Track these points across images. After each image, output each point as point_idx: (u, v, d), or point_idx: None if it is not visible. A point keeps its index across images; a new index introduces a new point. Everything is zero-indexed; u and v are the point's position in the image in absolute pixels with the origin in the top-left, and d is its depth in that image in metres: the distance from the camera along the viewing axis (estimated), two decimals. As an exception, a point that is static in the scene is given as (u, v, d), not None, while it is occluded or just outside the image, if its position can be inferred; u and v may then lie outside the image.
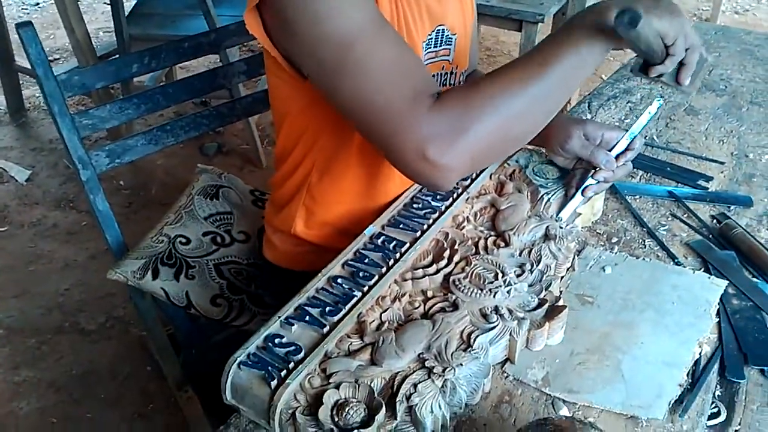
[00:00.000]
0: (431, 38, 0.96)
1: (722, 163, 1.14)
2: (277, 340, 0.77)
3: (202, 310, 1.14)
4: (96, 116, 1.27)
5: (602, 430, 0.62)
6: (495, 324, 0.79)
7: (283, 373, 0.73)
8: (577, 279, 0.92)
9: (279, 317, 0.81)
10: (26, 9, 4.13)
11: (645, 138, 1.21)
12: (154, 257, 1.18)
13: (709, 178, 1.10)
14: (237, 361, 0.75)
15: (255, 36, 0.84)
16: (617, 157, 0.95)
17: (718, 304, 0.87)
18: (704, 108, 1.29)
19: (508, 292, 0.83)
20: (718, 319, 0.85)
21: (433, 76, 1.00)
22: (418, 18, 0.92)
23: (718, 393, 0.77)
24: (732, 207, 1.04)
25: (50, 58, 3.49)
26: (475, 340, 0.77)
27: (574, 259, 0.93)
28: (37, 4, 4.11)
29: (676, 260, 0.95)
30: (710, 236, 0.99)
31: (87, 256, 2.16)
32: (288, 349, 0.76)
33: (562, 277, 0.90)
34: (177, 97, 1.37)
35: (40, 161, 2.66)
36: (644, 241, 0.99)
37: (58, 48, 3.52)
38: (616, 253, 0.96)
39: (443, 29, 0.97)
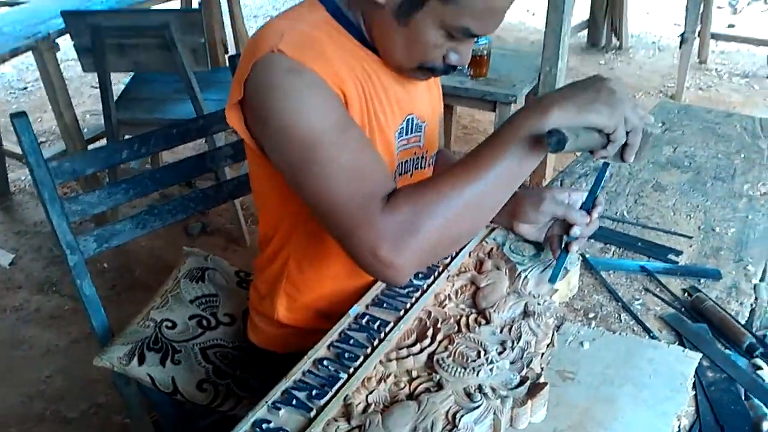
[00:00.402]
0: (402, 127, 1.03)
1: (690, 237, 1.19)
2: (264, 425, 0.78)
3: (188, 396, 1.14)
4: (85, 202, 1.31)
5: None
6: (479, 403, 0.81)
7: (269, 460, 0.74)
8: (557, 355, 0.94)
9: (266, 402, 0.82)
10: (14, 93, 4.21)
11: (616, 214, 1.26)
12: (140, 342, 1.19)
13: (678, 252, 1.15)
14: (224, 448, 0.76)
15: (235, 129, 0.90)
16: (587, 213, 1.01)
17: (694, 376, 0.89)
18: (670, 184, 1.35)
19: (491, 370, 0.86)
20: (694, 392, 0.88)
21: (406, 161, 1.07)
22: (389, 110, 0.99)
23: (697, 467, 0.79)
24: (702, 280, 1.08)
25: (38, 140, 3.57)
26: (460, 420, 0.78)
27: (553, 335, 0.95)
28: (25, 88, 4.20)
29: (651, 334, 0.98)
30: (682, 309, 1.02)
31: (69, 340, 2.14)
32: (275, 434, 0.77)
33: (542, 354, 0.92)
34: (165, 181, 1.41)
35: (24, 244, 2.66)
36: (620, 315, 1.02)
37: (44, 131, 3.58)
38: (593, 328, 0.99)
39: (413, 118, 1.04)
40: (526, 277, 1.02)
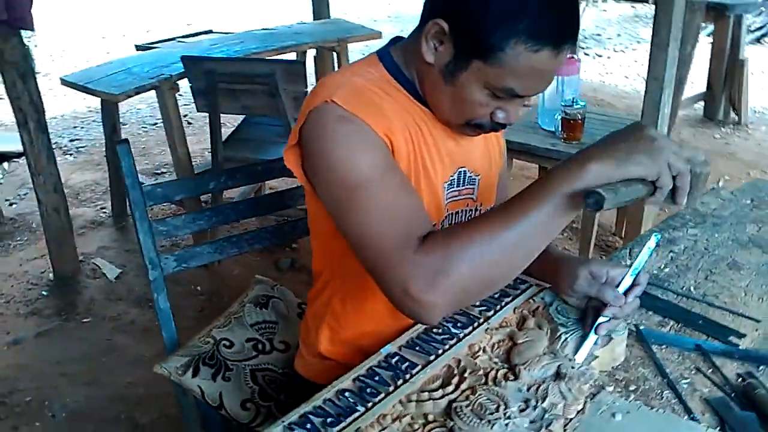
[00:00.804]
0: (453, 179, 1.06)
1: (758, 321, 1.12)
2: (278, 446, 0.82)
3: (231, 412, 1.20)
4: (171, 224, 1.43)
5: None
6: (487, 456, 0.80)
7: (275, 478, 0.77)
8: (586, 422, 0.91)
9: (283, 422, 0.86)
10: (146, 127, 4.65)
11: (682, 289, 1.21)
12: (197, 356, 1.27)
13: (741, 335, 1.08)
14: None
15: (291, 170, 0.97)
16: (625, 293, 0.98)
17: (730, 465, 0.84)
18: (748, 264, 1.28)
19: (507, 425, 0.85)
20: (726, 482, 0.82)
21: (458, 212, 1.09)
22: (438, 162, 1.02)
23: None
24: (761, 367, 1.01)
25: (158, 171, 3.91)
26: (464, 469, 0.78)
27: (585, 402, 0.93)
28: (155, 124, 4.62)
29: (692, 415, 0.93)
30: (732, 394, 0.96)
31: (155, 353, 2.29)
32: (286, 455, 0.81)
33: (570, 419, 0.90)
34: (244, 213, 1.51)
35: (131, 262, 2.89)
36: (662, 392, 0.97)
37: (166, 163, 3.91)
38: (630, 401, 0.95)
39: (465, 171, 1.07)
40: (565, 339, 1.00)
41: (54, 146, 2.71)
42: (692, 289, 1.21)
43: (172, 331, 1.40)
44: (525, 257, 0.87)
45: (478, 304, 1.09)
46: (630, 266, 0.99)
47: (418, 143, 0.99)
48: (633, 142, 0.80)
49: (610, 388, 0.98)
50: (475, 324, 1.04)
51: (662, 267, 1.28)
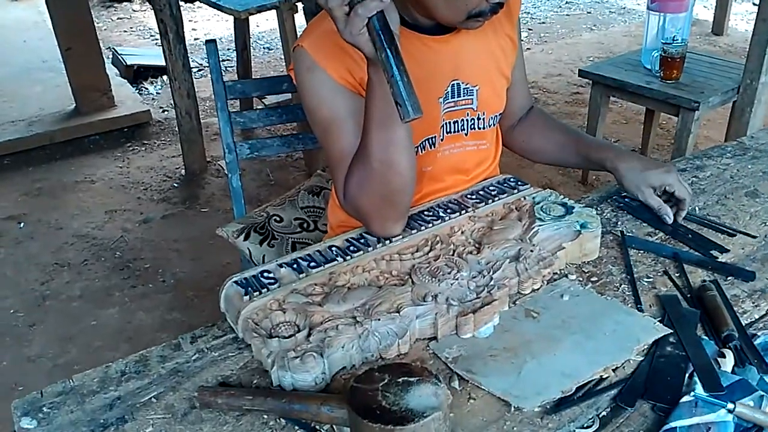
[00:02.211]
0: (447, 92, 1.16)
1: (753, 237, 1.14)
2: (266, 274, 1.03)
3: (269, 271, 1.44)
4: (247, 117, 1.66)
5: (441, 386, 0.77)
6: (427, 303, 0.96)
7: (255, 294, 0.98)
8: (536, 297, 1.03)
9: (276, 261, 1.06)
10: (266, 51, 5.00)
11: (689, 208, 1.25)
12: (251, 225, 1.52)
13: (724, 250, 1.12)
14: (233, 280, 1.02)
15: None
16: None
17: (652, 346, 0.92)
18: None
19: (452, 284, 0.99)
20: (642, 359, 0.91)
21: (456, 121, 1.20)
22: (428, 79, 1.11)
23: (604, 413, 0.84)
24: (729, 278, 1.06)
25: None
26: (402, 309, 0.94)
27: (542, 283, 1.05)
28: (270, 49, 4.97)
29: (638, 306, 1.01)
30: (688, 296, 1.03)
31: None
32: (269, 281, 1.01)
33: (524, 294, 1.03)
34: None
35: (249, 167, 3.24)
36: (621, 286, 1.06)
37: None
38: (586, 288, 1.05)
39: (458, 83, 1.16)
40: (536, 230, 1.11)
41: (199, 65, 3.08)
42: (697, 209, 1.24)
43: (241, 206, 1.66)
44: (396, 171, 1.02)
45: (472, 197, 1.21)
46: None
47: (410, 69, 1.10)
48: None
49: (573, 277, 1.08)
50: (463, 212, 1.17)
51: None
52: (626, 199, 1.27)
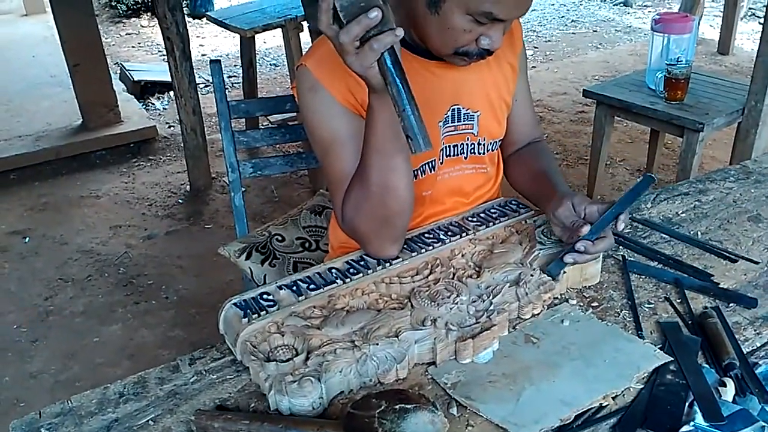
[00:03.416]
0: (447, 116, 1.16)
1: (756, 263, 1.14)
2: (265, 296, 1.03)
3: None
4: (250, 136, 1.67)
5: (438, 413, 0.76)
6: (426, 328, 0.95)
7: (254, 317, 0.98)
8: (537, 323, 1.03)
9: (276, 283, 1.06)
10: (272, 67, 5.04)
11: (690, 233, 1.24)
12: (253, 244, 1.52)
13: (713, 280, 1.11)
14: (232, 302, 1.02)
15: None
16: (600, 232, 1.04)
17: (653, 374, 0.92)
18: (771, 218, 1.27)
19: (451, 308, 0.99)
20: (641, 387, 0.90)
21: (456, 145, 1.20)
22: (428, 102, 1.11)
23: (603, 441, 0.84)
24: (731, 305, 1.05)
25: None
26: (400, 333, 0.94)
27: (543, 309, 1.04)
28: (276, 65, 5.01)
29: (639, 332, 1.00)
30: (690, 323, 1.02)
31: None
32: (269, 303, 1.01)
33: (524, 319, 1.02)
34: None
35: (254, 184, 3.25)
36: (622, 311, 1.05)
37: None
38: (587, 314, 1.04)
39: (459, 108, 1.17)
40: (537, 254, 1.11)
41: (206, 81, 3.10)
42: (699, 234, 1.24)
43: (243, 225, 1.66)
44: (394, 195, 1.03)
45: (473, 219, 1.21)
46: (612, 204, 1.05)
47: None
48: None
49: (573, 302, 1.08)
50: (463, 235, 1.17)
51: (679, 212, 1.31)
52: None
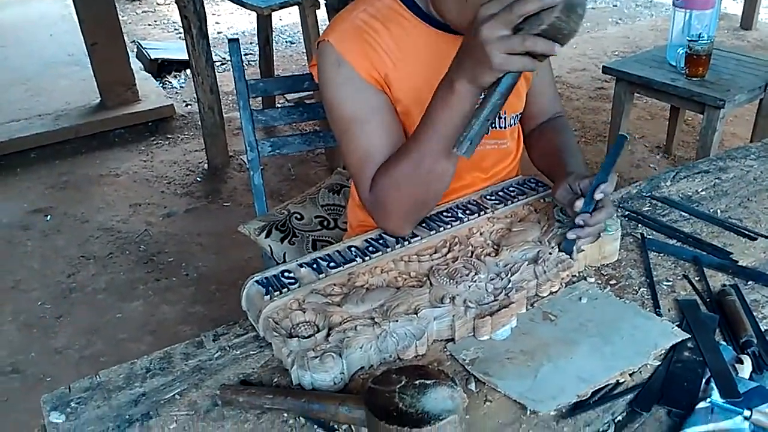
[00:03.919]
0: None
1: (773, 239, 1.14)
2: (287, 274, 1.04)
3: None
4: (269, 115, 1.68)
5: (457, 389, 0.77)
6: (444, 305, 0.97)
7: (275, 294, 1.00)
8: (555, 300, 1.04)
9: (297, 261, 1.08)
10: (289, 45, 5.03)
11: (710, 211, 1.24)
12: (272, 223, 1.54)
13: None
14: (254, 279, 1.04)
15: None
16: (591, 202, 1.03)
17: (670, 351, 0.93)
18: (794, 196, 1.26)
19: (470, 286, 1.00)
20: (659, 363, 0.91)
21: None
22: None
23: (620, 417, 0.85)
24: (750, 282, 1.05)
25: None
26: (419, 311, 0.95)
27: (561, 286, 1.05)
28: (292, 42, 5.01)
29: (657, 310, 1.01)
30: (708, 300, 1.02)
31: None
32: (290, 281, 1.03)
33: (542, 297, 1.03)
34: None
35: (272, 162, 3.27)
36: (640, 289, 1.06)
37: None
38: (605, 291, 1.05)
39: None
40: (555, 232, 1.11)
41: (222, 59, 3.10)
42: (719, 212, 1.24)
43: (262, 203, 1.68)
44: (438, 180, 1.05)
45: (492, 198, 1.22)
46: (598, 173, 1.03)
47: (419, 62, 1.10)
48: (471, 51, 0.89)
49: (591, 280, 1.08)
50: (482, 213, 1.18)
51: (699, 190, 1.31)
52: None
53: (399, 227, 1.10)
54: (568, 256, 1.06)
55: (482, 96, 0.93)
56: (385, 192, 1.07)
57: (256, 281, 1.03)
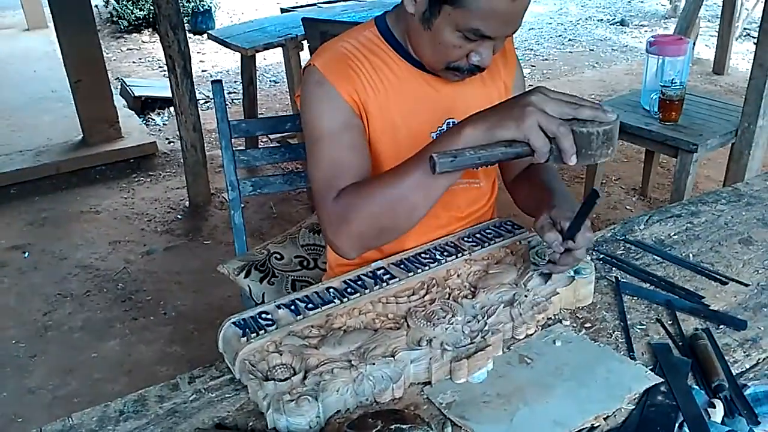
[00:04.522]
0: (441, 129, 1.20)
1: (746, 285, 1.16)
2: (264, 315, 1.04)
3: (268, 309, 1.45)
4: (251, 155, 1.70)
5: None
6: (422, 348, 0.97)
7: (252, 336, 1.00)
8: (529, 343, 1.05)
9: (275, 302, 1.08)
10: (272, 83, 5.08)
11: (682, 255, 1.26)
12: (252, 262, 1.54)
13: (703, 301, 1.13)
14: (231, 321, 1.04)
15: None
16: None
17: (643, 396, 0.93)
18: (762, 241, 1.29)
19: (446, 329, 1.01)
20: (633, 408, 0.92)
21: None
22: (423, 113, 1.17)
23: (595, 461, 0.85)
24: (722, 327, 1.07)
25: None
26: (396, 353, 0.96)
27: (536, 329, 1.06)
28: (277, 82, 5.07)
29: (631, 354, 1.02)
30: (681, 344, 1.04)
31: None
32: (267, 322, 1.03)
33: (518, 339, 1.04)
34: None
35: (253, 201, 3.28)
36: (614, 333, 1.07)
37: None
38: (579, 335, 1.06)
39: (453, 122, 1.20)
40: (531, 275, 1.13)
41: (206, 97, 3.13)
42: (691, 256, 1.26)
43: (242, 242, 1.68)
44: (408, 212, 1.04)
45: (469, 240, 1.23)
46: (572, 219, 1.03)
47: (397, 96, 1.15)
48: (507, 109, 0.90)
49: (567, 323, 1.10)
50: (459, 255, 1.19)
51: (671, 234, 1.34)
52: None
53: (349, 246, 1.09)
54: (544, 300, 1.08)
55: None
56: (352, 205, 1.06)
57: (233, 323, 1.03)
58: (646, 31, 6.44)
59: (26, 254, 2.91)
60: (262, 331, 1.00)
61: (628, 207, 3.12)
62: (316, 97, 1.12)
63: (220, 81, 1.65)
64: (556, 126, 0.87)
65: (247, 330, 1.01)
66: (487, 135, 0.91)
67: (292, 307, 1.06)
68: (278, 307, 1.06)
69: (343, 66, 1.13)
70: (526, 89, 1.17)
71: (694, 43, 2.66)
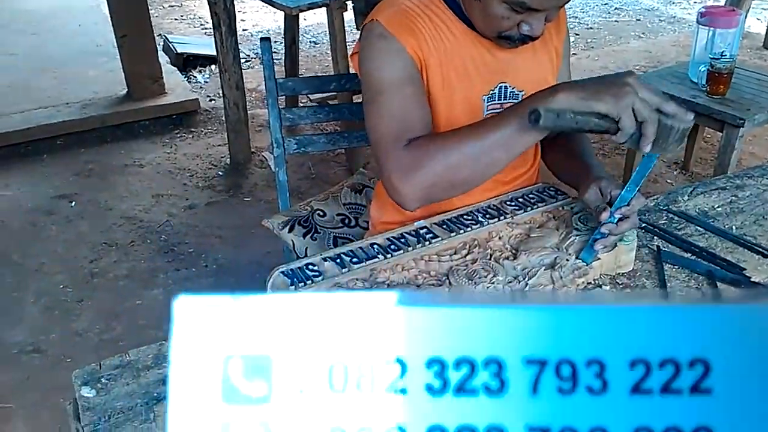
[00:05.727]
0: (494, 93, 1.21)
1: (787, 260, 1.16)
2: (311, 266, 1.09)
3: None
4: (296, 113, 1.73)
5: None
6: (463, 304, 1.00)
7: (300, 286, 1.04)
8: (568, 306, 1.07)
9: (321, 255, 1.12)
10: (314, 45, 5.09)
11: (725, 227, 1.26)
12: (295, 218, 1.58)
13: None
14: (280, 270, 1.08)
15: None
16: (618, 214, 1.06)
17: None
18: (811, 216, 1.28)
19: (488, 287, 1.04)
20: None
21: None
22: (476, 75, 1.18)
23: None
24: (761, 298, 1.08)
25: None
26: (439, 308, 0.99)
27: (576, 292, 1.08)
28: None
29: (669, 320, 1.04)
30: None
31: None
32: (314, 273, 1.07)
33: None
34: (358, 115, 1.77)
35: (293, 161, 3.31)
36: (653, 299, 1.09)
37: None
38: (618, 299, 1.08)
39: (506, 86, 1.21)
40: (573, 240, 1.15)
41: (247, 56, 3.15)
42: (734, 228, 1.26)
43: (286, 199, 1.72)
44: (487, 166, 1.04)
45: (512, 203, 1.25)
46: (626, 186, 1.06)
47: (454, 56, 1.16)
48: (608, 83, 0.92)
49: (606, 288, 1.11)
50: (502, 218, 1.21)
51: (715, 206, 1.33)
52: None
53: (415, 195, 1.07)
54: (585, 264, 1.10)
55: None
56: (428, 155, 1.04)
57: (282, 272, 1.07)
58: (695, 2, 6.24)
59: (73, 204, 3.01)
60: (309, 281, 1.04)
61: (669, 180, 3.08)
62: (380, 50, 1.12)
63: (268, 39, 1.67)
64: (648, 111, 0.89)
65: (295, 279, 1.05)
66: (580, 104, 0.92)
67: (338, 260, 1.10)
68: (324, 259, 1.10)
69: (406, 21, 1.14)
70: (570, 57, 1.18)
71: (745, 16, 2.59)
